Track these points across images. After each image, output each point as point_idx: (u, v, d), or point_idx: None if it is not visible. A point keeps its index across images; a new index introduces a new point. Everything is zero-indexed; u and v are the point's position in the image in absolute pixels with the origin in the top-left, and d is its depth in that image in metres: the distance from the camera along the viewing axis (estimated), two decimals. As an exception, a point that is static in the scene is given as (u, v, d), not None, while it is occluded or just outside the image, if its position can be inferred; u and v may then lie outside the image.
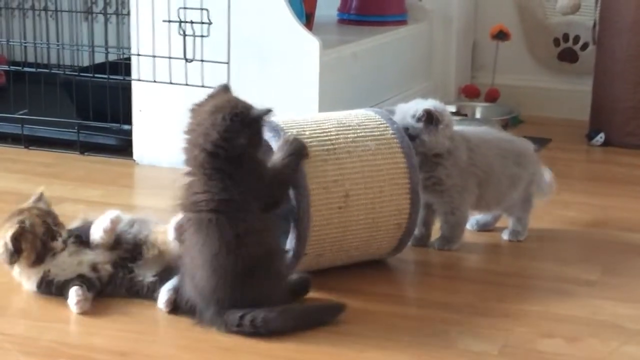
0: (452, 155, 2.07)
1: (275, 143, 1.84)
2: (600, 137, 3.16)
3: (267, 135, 1.86)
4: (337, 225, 1.88)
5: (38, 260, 1.82)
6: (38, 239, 1.81)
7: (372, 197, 1.91)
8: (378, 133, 1.96)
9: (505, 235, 2.21)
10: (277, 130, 1.87)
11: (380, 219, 1.93)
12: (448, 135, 2.06)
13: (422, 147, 2.04)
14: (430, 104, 2.08)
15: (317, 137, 1.90)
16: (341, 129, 1.94)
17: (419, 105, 2.07)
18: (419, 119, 2.04)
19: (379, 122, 1.99)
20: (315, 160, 1.87)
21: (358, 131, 1.95)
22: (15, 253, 1.80)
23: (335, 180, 1.87)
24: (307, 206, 1.83)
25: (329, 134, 1.92)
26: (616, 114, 3.14)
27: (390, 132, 1.97)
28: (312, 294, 1.85)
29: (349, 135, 1.93)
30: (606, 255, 2.14)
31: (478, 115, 3.26)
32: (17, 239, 1.80)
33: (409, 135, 2.01)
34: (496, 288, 1.93)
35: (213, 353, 1.64)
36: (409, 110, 2.06)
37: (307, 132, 1.90)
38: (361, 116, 2.01)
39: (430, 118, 2.03)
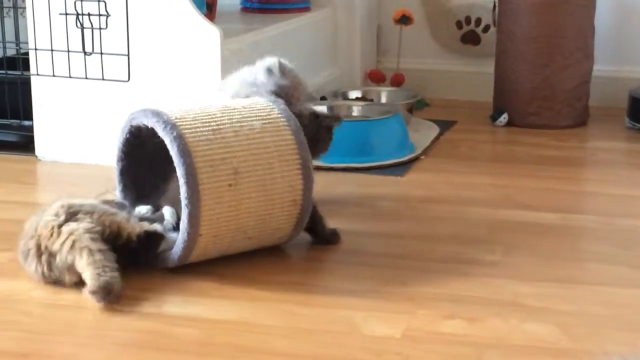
0: None
1: (158, 127, 1.87)
2: (503, 118, 3.20)
3: (151, 120, 1.89)
4: (229, 203, 1.88)
5: None
6: None
7: (262, 173, 1.92)
8: (264, 114, 1.98)
9: None
10: (159, 114, 1.89)
11: (274, 195, 1.93)
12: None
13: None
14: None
15: (201, 119, 1.92)
16: (226, 111, 1.96)
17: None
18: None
19: (265, 105, 2.01)
20: (200, 140, 1.88)
21: (243, 113, 1.97)
22: None
23: (222, 159, 1.88)
24: (196, 184, 1.83)
25: (213, 116, 1.94)
26: (518, 94, 3.19)
27: (277, 112, 1.99)
28: (213, 284, 1.86)
29: (234, 117, 1.95)
30: (508, 235, 2.17)
31: (384, 99, 3.27)
32: None
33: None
34: (399, 272, 1.95)
35: (116, 351, 1.62)
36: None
37: (190, 115, 1.91)
38: (248, 101, 2.03)
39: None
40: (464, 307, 1.76)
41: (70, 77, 2.63)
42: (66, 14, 2.59)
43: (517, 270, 1.95)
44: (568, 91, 3.17)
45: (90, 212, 1.86)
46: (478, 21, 3.56)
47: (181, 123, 1.89)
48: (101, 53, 2.57)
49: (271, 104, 2.01)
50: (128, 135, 2.00)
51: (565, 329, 1.67)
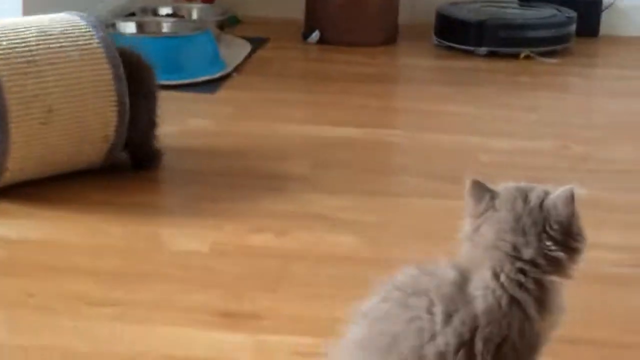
0: None
1: None
2: (315, 36, 3.23)
3: None
4: (40, 142, 1.82)
5: None
6: None
7: (76, 110, 1.86)
8: (83, 42, 1.90)
9: None
10: None
11: (86, 132, 1.88)
12: None
13: None
14: None
15: (16, 47, 1.81)
16: (42, 37, 1.86)
17: None
18: None
19: (84, 30, 1.92)
20: (15, 74, 1.78)
21: (61, 40, 1.87)
22: None
23: (36, 95, 1.80)
24: (5, 123, 1.76)
25: (28, 43, 1.83)
26: (329, 12, 3.21)
27: (96, 40, 1.91)
28: (17, 206, 1.81)
29: (51, 45, 1.85)
30: (318, 150, 2.20)
31: (195, 16, 3.23)
32: None
33: None
34: (209, 188, 1.95)
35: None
36: None
37: (4, 43, 1.80)
38: (65, 23, 1.92)
39: None
40: (272, 221, 1.78)
41: None
42: None
43: (325, 184, 1.98)
44: (377, 8, 3.21)
45: None
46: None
47: None
48: None
49: (91, 29, 1.92)
50: None
51: (369, 239, 1.72)
